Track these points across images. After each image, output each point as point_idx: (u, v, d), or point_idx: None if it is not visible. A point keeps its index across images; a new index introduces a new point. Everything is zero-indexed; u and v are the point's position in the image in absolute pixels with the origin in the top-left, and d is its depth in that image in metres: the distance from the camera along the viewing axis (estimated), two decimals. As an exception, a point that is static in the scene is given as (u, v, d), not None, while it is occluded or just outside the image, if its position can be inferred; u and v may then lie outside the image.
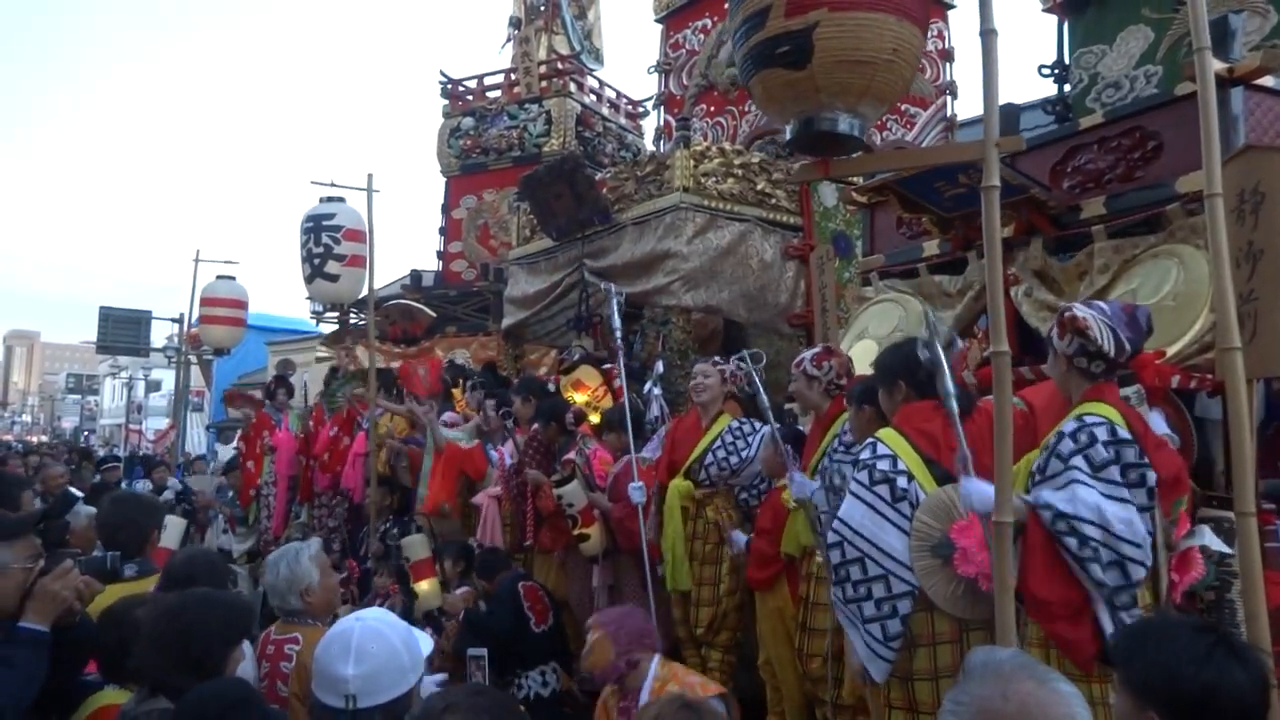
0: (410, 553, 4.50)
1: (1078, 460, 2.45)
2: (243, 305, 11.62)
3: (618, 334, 4.64)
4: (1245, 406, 2.25)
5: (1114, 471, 2.42)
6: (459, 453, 5.69)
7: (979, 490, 2.36)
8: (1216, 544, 2.53)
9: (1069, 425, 2.54)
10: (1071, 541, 2.39)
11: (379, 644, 2.00)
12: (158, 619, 2.19)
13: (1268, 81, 3.28)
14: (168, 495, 8.58)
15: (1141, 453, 2.45)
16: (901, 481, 2.71)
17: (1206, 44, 2.39)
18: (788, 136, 2.88)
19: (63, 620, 2.29)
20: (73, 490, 3.05)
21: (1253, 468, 2.26)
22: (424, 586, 4.49)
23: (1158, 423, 2.69)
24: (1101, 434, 2.45)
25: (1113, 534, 2.36)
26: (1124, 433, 2.46)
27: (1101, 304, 2.70)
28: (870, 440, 2.87)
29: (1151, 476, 2.44)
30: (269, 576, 2.94)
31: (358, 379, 7.47)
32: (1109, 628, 2.37)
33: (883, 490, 2.72)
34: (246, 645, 2.34)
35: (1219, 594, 2.60)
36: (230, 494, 8.43)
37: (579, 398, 5.62)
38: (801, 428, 4.22)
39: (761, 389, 3.61)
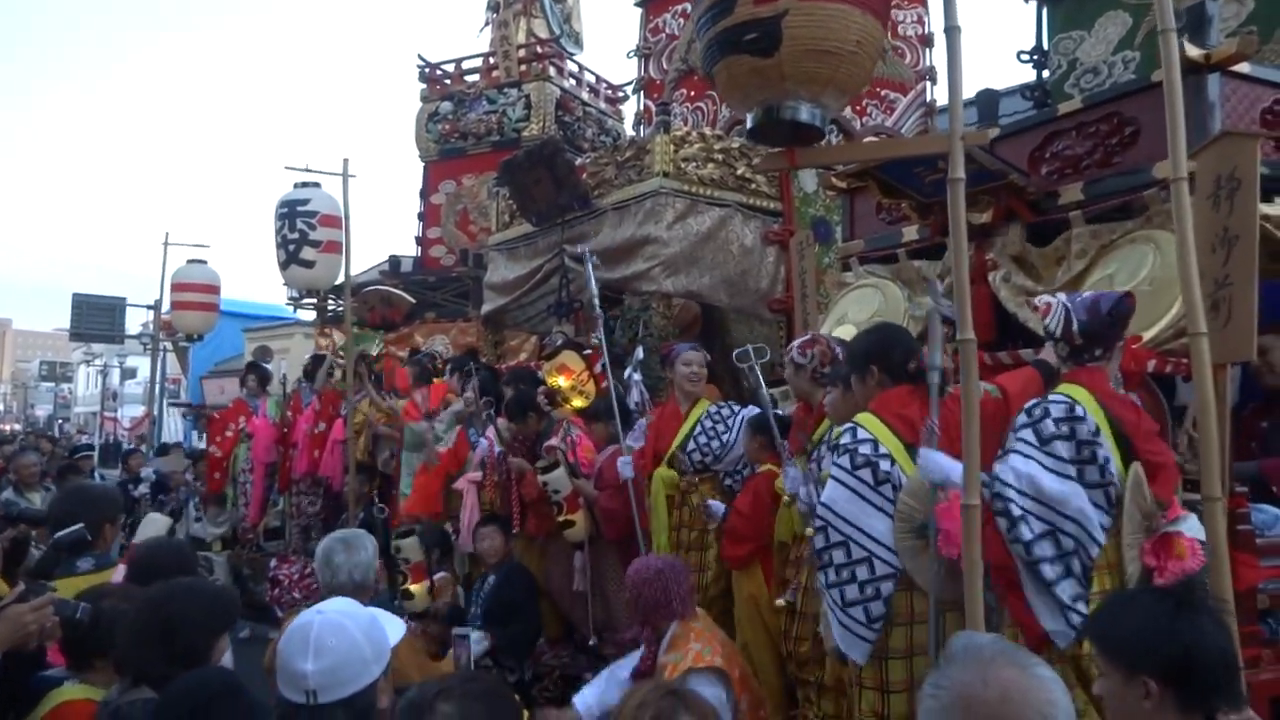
0: (409, 554, 4.58)
1: (1025, 433, 2.52)
2: (215, 290, 11.41)
3: (596, 301, 4.58)
4: (1212, 392, 2.29)
5: (1060, 447, 2.47)
6: (445, 459, 5.77)
7: (935, 461, 2.41)
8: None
9: (1031, 403, 2.60)
10: (1002, 523, 2.44)
11: (339, 638, 1.95)
12: (140, 609, 2.17)
13: (1244, 68, 3.30)
14: (144, 489, 8.49)
15: (1096, 431, 2.48)
16: (884, 465, 2.73)
17: (1172, 26, 2.41)
18: (749, 125, 2.88)
19: (16, 648, 2.21)
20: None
21: (1221, 452, 2.29)
22: (416, 589, 4.58)
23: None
24: (1056, 411, 2.52)
25: (1044, 503, 2.41)
26: (1082, 411, 2.50)
27: (1081, 293, 2.74)
28: (849, 425, 2.88)
29: (1102, 453, 2.46)
30: (336, 555, 3.19)
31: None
32: (1039, 609, 2.40)
33: (865, 474, 2.73)
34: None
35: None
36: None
37: (563, 382, 5.62)
38: (781, 411, 4.24)
39: (762, 383, 3.62)
